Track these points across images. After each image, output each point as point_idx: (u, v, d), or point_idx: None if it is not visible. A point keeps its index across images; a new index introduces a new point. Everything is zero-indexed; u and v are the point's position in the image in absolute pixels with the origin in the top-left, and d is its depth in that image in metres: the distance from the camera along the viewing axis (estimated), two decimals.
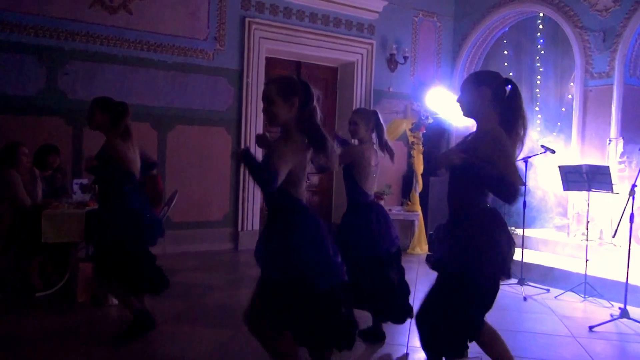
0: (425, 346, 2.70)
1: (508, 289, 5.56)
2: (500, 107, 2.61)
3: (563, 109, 8.20)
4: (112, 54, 6.40)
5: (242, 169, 7.28)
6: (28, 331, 3.84)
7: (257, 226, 7.47)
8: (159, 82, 6.69)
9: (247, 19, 7.22)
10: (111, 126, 3.70)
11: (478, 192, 2.61)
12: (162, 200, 5.65)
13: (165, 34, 6.71)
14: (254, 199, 7.42)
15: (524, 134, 2.60)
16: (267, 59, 7.51)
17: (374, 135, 4.02)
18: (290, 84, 2.65)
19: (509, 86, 2.63)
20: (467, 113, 2.70)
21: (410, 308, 3.88)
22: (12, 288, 4.70)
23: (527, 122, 2.62)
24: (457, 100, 2.73)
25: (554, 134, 7.85)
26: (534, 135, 8.06)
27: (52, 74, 6.07)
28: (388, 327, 4.27)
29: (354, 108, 8.18)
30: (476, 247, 2.54)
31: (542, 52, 8.58)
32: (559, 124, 8.03)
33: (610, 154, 6.63)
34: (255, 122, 7.34)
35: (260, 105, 7.91)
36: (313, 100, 2.64)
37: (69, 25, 6.13)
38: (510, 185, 2.43)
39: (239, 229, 7.30)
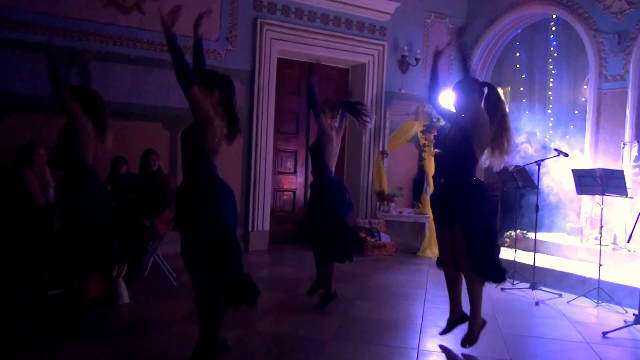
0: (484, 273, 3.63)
1: (520, 294, 5.52)
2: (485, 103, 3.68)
3: (576, 112, 8.13)
4: (125, 54, 6.43)
5: (252, 170, 7.29)
6: (40, 329, 3.86)
7: (267, 227, 7.46)
8: (170, 82, 6.64)
9: (258, 20, 7.23)
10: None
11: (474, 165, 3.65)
12: (174, 200, 5.64)
13: (177, 34, 6.69)
14: (264, 200, 7.42)
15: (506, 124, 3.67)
16: (278, 59, 7.51)
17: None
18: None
19: (486, 87, 3.72)
20: (462, 111, 3.72)
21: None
22: (25, 286, 4.72)
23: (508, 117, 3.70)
24: (454, 104, 3.81)
25: (567, 137, 7.78)
26: (546, 138, 8.02)
27: (65, 74, 6.09)
28: (399, 331, 4.25)
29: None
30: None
31: (555, 54, 8.51)
32: (571, 126, 7.96)
33: (624, 157, 6.56)
34: (266, 123, 7.34)
35: (272, 105, 7.91)
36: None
37: (82, 25, 6.17)
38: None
39: (250, 229, 7.30)
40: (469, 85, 3.67)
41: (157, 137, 6.49)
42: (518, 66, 8.91)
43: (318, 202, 4.67)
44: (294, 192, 8.11)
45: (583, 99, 7.86)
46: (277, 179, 7.89)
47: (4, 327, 3.88)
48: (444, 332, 3.99)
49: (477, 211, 3.58)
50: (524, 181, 5.92)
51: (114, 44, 6.36)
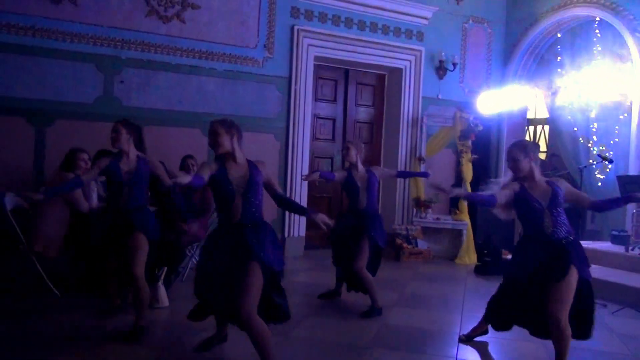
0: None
1: None
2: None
3: (621, 117, 7.89)
4: (165, 62, 6.58)
5: (289, 175, 7.34)
6: (83, 330, 3.96)
7: (302, 232, 7.49)
8: (209, 89, 6.83)
9: (295, 27, 7.28)
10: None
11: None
12: (212, 207, 5.71)
13: (216, 42, 6.85)
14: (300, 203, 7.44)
15: None
16: (315, 66, 7.55)
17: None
18: (232, 123, 3.40)
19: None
20: (519, 173, 3.67)
21: None
22: (69, 288, 4.86)
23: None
24: (512, 166, 3.69)
25: (612, 142, 7.56)
26: (589, 143, 7.81)
27: (108, 82, 6.29)
28: (437, 339, 4.19)
29: (401, 115, 8.17)
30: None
31: (599, 58, 8.28)
32: (616, 130, 7.73)
33: None
34: (302, 129, 7.38)
35: (309, 111, 7.96)
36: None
37: (125, 34, 6.35)
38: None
39: (286, 234, 7.34)
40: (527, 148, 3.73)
41: (196, 142, 6.60)
42: (559, 70, 8.71)
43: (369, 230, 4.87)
44: (330, 198, 8.11)
45: (629, 103, 7.62)
46: (313, 184, 7.90)
47: (43, 327, 4.00)
48: (463, 340, 4.12)
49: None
50: None
51: (155, 52, 6.52)
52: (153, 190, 5.72)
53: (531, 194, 3.61)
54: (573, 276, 3.46)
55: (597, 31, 8.20)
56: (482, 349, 4.02)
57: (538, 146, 3.89)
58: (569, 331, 3.46)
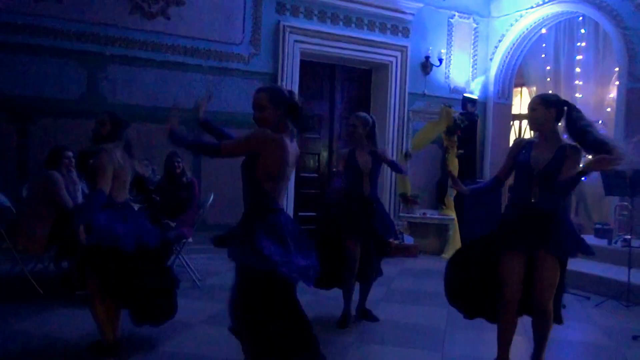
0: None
1: None
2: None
3: (607, 109, 7.98)
4: (150, 58, 6.54)
5: None
6: (66, 329, 3.93)
7: None
8: (195, 85, 6.80)
9: (281, 23, 7.27)
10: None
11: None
12: (198, 203, 5.70)
13: (201, 38, 6.81)
14: (287, 202, 7.44)
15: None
16: (301, 62, 7.54)
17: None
18: (279, 92, 2.86)
19: (566, 107, 3.13)
20: (537, 128, 3.21)
21: None
22: (53, 286, 4.82)
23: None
24: (528, 117, 3.24)
25: None
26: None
27: (93, 79, 6.24)
28: (423, 334, 4.22)
29: (387, 111, 8.18)
30: None
31: (583, 53, 8.37)
32: (600, 123, 7.81)
33: None
34: None
35: None
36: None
37: (109, 31, 6.30)
38: None
39: None
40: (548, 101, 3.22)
41: None
42: (545, 65, 8.78)
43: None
44: (317, 194, 8.11)
45: (611, 96, 7.72)
46: (299, 180, 7.90)
47: (31, 324, 3.97)
48: None
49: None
50: None
51: (139, 48, 6.47)
52: (139, 188, 5.71)
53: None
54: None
55: (581, 27, 8.29)
56: (468, 343, 4.05)
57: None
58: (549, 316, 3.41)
